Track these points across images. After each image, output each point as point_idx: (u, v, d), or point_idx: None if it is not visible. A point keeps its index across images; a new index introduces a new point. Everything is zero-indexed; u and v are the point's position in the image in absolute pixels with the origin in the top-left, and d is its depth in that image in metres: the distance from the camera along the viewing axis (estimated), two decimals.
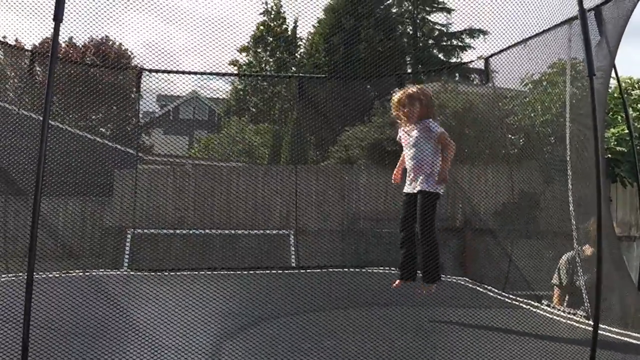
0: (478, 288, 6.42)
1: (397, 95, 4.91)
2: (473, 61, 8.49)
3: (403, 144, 4.96)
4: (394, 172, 5.17)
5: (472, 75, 16.94)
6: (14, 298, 4.46)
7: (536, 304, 5.49)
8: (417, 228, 4.69)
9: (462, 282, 6.73)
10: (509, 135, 8.87)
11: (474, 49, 21.36)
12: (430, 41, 21.10)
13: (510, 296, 5.90)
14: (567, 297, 5.84)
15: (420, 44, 20.33)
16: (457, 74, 16.66)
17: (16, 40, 11.45)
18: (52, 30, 3.64)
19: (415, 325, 4.82)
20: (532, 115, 9.86)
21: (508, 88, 9.12)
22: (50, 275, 6.40)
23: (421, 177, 4.73)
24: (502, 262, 6.82)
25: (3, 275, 6.36)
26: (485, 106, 9.65)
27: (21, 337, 3.25)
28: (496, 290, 6.14)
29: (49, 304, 4.37)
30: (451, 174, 9.93)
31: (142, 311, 4.77)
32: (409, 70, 17.78)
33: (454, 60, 20.89)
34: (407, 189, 4.88)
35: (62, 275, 6.52)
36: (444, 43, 21.22)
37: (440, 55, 21.31)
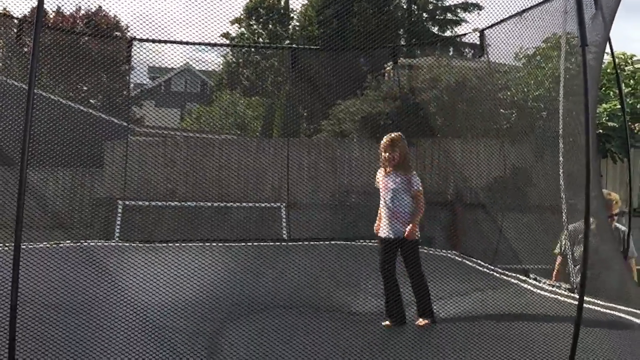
0: (466, 262, 6.46)
1: (384, 139, 5.12)
2: (468, 33, 8.42)
3: (380, 188, 5.12)
4: (376, 223, 5.23)
5: (466, 50, 16.85)
6: (2, 268, 4.44)
7: (523, 277, 5.54)
8: (406, 272, 4.90)
9: (451, 256, 6.77)
10: (502, 110, 8.86)
11: (469, 23, 21.23)
12: (425, 14, 20.93)
13: (498, 269, 5.94)
14: (567, 267, 5.87)
15: (414, 18, 20.15)
16: (450, 48, 16.57)
17: (4, 9, 11.24)
18: None
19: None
20: (525, 90, 9.84)
21: (502, 63, 9.07)
22: (40, 246, 6.38)
23: (403, 227, 4.91)
24: (491, 236, 6.86)
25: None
26: (479, 80, 9.61)
27: (9, 308, 3.24)
28: (484, 264, 6.18)
29: (37, 275, 4.36)
30: (443, 148, 9.98)
31: (132, 281, 4.76)
32: (403, 44, 17.63)
33: (448, 34, 20.75)
34: (383, 233, 5.01)
35: (52, 245, 6.50)
36: (438, 16, 21.05)
37: (435, 29, 21.16)
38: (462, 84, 9.93)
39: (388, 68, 12.69)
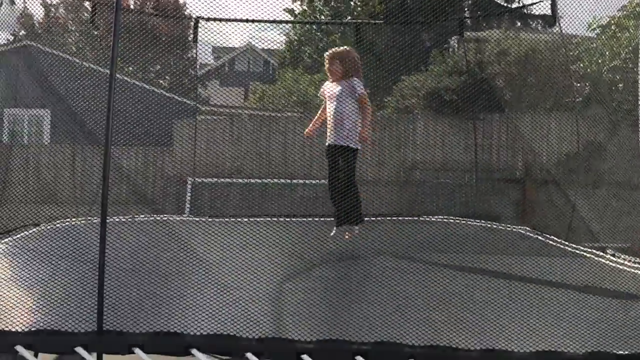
0: (539, 237, 6.31)
1: (327, 53, 5.29)
2: (538, 2, 8.11)
3: (326, 98, 5.27)
4: (309, 126, 5.51)
5: (535, 21, 16.24)
6: (87, 241, 4.70)
7: (600, 253, 5.37)
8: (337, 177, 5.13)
9: (522, 231, 6.63)
10: (575, 83, 8.54)
11: None
12: None
13: (572, 245, 5.77)
14: None
15: None
16: (518, 21, 16.00)
17: None
18: None
19: (471, 272, 4.81)
20: (599, 61, 9.45)
21: (573, 34, 8.73)
22: (117, 219, 6.67)
23: (343, 132, 5.07)
24: (564, 212, 6.67)
25: (74, 219, 6.67)
26: (550, 53, 9.29)
27: (97, 277, 3.42)
28: (557, 239, 6.02)
29: (119, 246, 4.58)
30: (513, 123, 9.74)
31: (207, 253, 4.91)
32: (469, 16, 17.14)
33: (515, 6, 20.02)
34: (329, 141, 5.19)
35: (129, 219, 6.80)
36: None
37: (500, 1, 20.44)
38: (531, 56, 9.62)
39: (453, 42, 12.42)
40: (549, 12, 7.75)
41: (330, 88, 5.25)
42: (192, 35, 9.45)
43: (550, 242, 6.01)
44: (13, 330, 3.09)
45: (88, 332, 3.07)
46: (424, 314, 3.70)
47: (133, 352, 2.91)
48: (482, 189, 8.49)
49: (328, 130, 5.17)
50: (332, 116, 5.12)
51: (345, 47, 5.38)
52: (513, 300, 4.04)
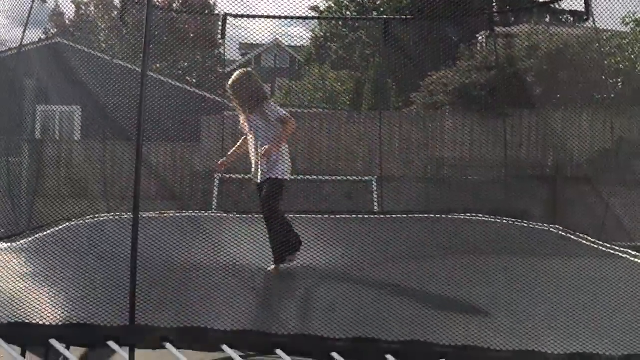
0: (570, 236, 6.19)
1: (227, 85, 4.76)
2: None
3: (247, 131, 4.75)
4: (225, 158, 5.02)
5: (565, 16, 15.96)
6: (118, 236, 4.74)
7: (635, 253, 5.24)
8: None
9: (553, 230, 6.51)
10: (607, 79, 8.35)
11: None
12: None
13: (605, 245, 5.64)
14: None
15: None
16: (547, 15, 15.73)
17: None
18: None
19: (501, 273, 4.73)
20: (632, 57, 9.24)
21: (606, 29, 8.55)
22: (146, 215, 6.74)
23: (264, 167, 4.63)
24: (597, 211, 6.53)
25: (104, 214, 6.76)
26: (581, 47, 9.11)
27: (128, 273, 3.46)
28: (590, 239, 5.89)
29: (150, 241, 4.61)
30: (543, 119, 9.57)
31: (234, 249, 4.92)
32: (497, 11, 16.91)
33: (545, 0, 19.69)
34: (256, 178, 4.75)
35: (157, 215, 6.86)
36: None
37: None
38: (562, 51, 9.44)
39: (481, 37, 12.25)
40: (580, 6, 7.60)
41: (245, 122, 4.73)
42: (220, 33, 9.50)
43: (583, 241, 5.89)
44: (46, 323, 3.14)
45: (120, 326, 3.11)
46: (454, 315, 3.66)
47: (164, 347, 2.94)
48: (512, 186, 8.36)
49: (253, 166, 4.74)
50: (252, 151, 4.72)
51: (241, 71, 4.68)
52: (544, 302, 3.97)
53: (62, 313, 3.37)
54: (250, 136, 4.70)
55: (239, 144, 4.98)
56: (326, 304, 3.96)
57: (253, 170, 4.78)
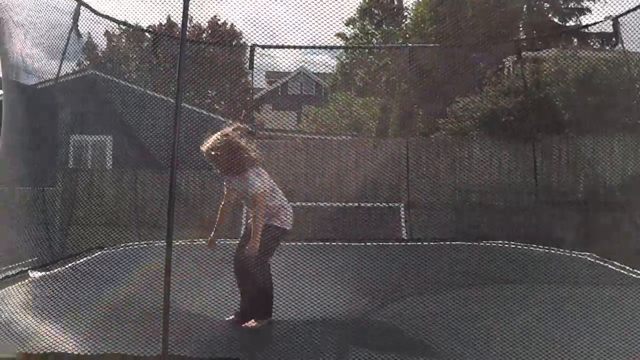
0: (605, 264, 6.06)
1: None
2: (600, 22, 7.91)
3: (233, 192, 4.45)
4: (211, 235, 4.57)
5: (593, 40, 15.84)
6: (149, 264, 4.80)
7: None
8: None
9: (587, 258, 6.39)
10: (638, 103, 8.25)
11: (592, 12, 19.93)
12: (546, 4, 19.93)
13: None
14: None
15: (535, 8, 19.25)
16: (574, 39, 15.66)
17: (135, 24, 12.12)
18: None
19: (533, 303, 4.64)
20: None
21: (635, 52, 8.46)
22: (178, 243, 6.80)
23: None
24: (631, 237, 6.39)
25: (136, 243, 6.84)
26: (611, 72, 9.02)
27: (161, 298, 3.49)
28: (627, 267, 5.76)
29: (182, 268, 4.65)
30: (573, 145, 9.44)
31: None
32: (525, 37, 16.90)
33: (570, 24, 19.62)
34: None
35: (189, 242, 6.92)
36: (562, 5, 19.97)
37: (556, 19, 20.09)
38: (591, 75, 9.37)
39: (508, 63, 12.23)
40: (609, 29, 7.56)
41: (230, 187, 4.46)
42: (247, 62, 9.68)
43: (619, 269, 5.77)
44: (76, 353, 3.17)
45: (153, 356, 3.13)
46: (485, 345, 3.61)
47: None
48: (543, 213, 8.25)
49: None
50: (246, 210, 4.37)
51: (216, 137, 4.24)
52: (581, 333, 3.89)
53: (91, 343, 3.41)
54: (241, 197, 4.42)
55: (219, 215, 4.54)
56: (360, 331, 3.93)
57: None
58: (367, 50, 17.33)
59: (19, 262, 5.05)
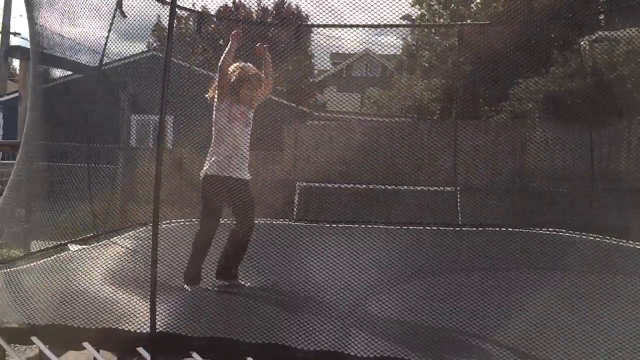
0: None
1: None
2: None
3: (236, 123, 4.54)
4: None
5: None
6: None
7: None
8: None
9: None
10: None
11: None
12: None
13: None
14: None
15: None
16: None
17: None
18: None
19: (585, 292, 4.38)
20: None
21: None
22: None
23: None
24: None
25: (173, 221, 6.92)
26: None
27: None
28: None
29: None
30: None
31: (310, 260, 4.85)
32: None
33: None
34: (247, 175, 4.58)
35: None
36: None
37: None
38: None
39: (583, 42, 11.52)
40: None
41: (244, 113, 4.69)
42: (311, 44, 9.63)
43: None
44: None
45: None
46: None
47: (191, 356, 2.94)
48: (605, 201, 7.77)
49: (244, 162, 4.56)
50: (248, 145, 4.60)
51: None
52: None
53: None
54: (246, 128, 4.57)
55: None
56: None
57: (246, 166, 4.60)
58: (433, 30, 16.87)
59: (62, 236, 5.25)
